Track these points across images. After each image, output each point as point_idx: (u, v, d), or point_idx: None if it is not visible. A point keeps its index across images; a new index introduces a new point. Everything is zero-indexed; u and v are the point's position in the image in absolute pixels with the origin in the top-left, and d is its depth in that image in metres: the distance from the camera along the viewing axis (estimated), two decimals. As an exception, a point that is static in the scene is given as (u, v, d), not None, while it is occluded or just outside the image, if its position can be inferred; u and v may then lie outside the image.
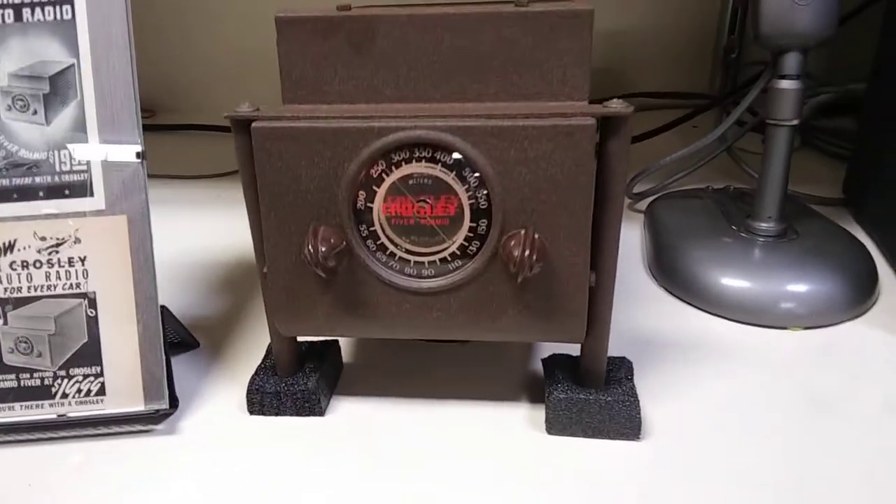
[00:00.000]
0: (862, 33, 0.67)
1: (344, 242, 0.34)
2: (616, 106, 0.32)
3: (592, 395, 0.37)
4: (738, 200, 0.57)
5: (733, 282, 0.48)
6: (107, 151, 0.38)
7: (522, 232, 0.33)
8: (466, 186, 0.33)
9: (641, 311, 0.49)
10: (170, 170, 0.76)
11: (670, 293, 0.51)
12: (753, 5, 0.45)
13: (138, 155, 0.38)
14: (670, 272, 0.51)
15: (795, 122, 0.47)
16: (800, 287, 0.47)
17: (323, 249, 0.33)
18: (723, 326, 0.47)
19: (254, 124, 0.33)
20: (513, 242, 0.33)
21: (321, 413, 0.40)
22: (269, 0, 0.79)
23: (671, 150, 0.59)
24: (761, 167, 0.49)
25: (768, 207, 0.49)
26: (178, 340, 0.45)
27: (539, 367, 0.43)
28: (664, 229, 0.55)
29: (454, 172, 0.33)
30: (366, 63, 0.35)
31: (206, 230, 0.64)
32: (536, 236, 0.32)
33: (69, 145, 0.38)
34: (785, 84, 0.46)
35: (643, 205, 0.62)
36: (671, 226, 0.55)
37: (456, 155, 0.33)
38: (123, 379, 0.38)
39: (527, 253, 0.32)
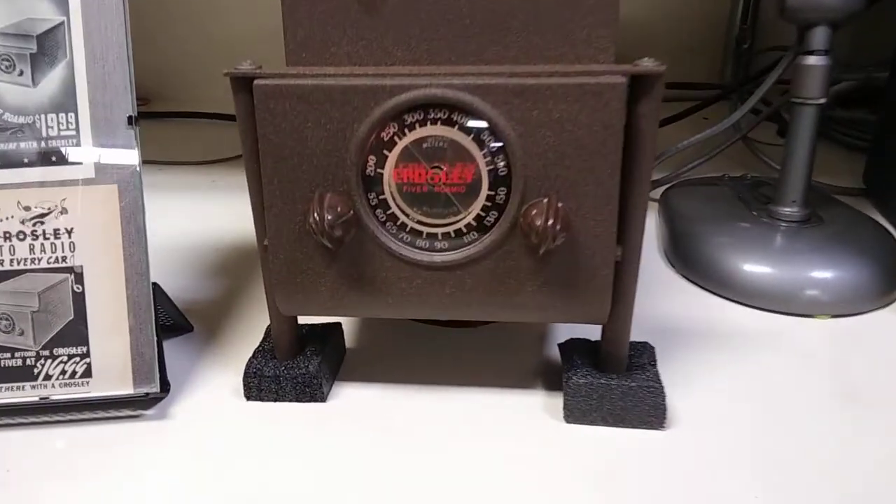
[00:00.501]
0: (882, 19, 0.65)
1: (351, 211, 0.32)
2: (648, 64, 0.30)
3: (614, 380, 0.35)
4: (756, 189, 0.54)
5: (756, 268, 0.45)
6: (97, 116, 0.35)
7: (545, 200, 0.30)
8: (485, 151, 0.31)
9: (660, 298, 0.47)
10: (165, 157, 0.73)
11: (690, 280, 0.49)
12: (780, -23, 0.43)
13: (130, 120, 0.36)
14: (689, 259, 0.49)
15: (823, 100, 0.45)
16: (826, 274, 0.44)
17: (329, 218, 0.30)
18: (746, 314, 0.45)
19: (256, 82, 0.31)
20: (535, 212, 0.30)
21: (323, 399, 0.37)
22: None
23: (683, 140, 0.57)
24: (785, 148, 0.47)
25: (792, 191, 0.47)
26: (171, 323, 0.42)
27: (555, 353, 0.41)
28: (681, 216, 0.53)
29: (472, 136, 0.31)
30: (376, 22, 0.33)
31: (201, 215, 0.61)
32: (560, 205, 0.30)
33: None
34: (812, 60, 0.44)
35: (656, 193, 0.60)
36: (688, 212, 0.52)
37: (474, 116, 0.30)
38: (111, 360, 0.36)
39: (550, 222, 0.29)
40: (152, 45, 0.88)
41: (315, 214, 0.30)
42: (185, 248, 0.55)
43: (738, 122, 0.63)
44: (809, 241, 0.46)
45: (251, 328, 0.44)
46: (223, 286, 0.49)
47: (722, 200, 0.53)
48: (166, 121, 0.84)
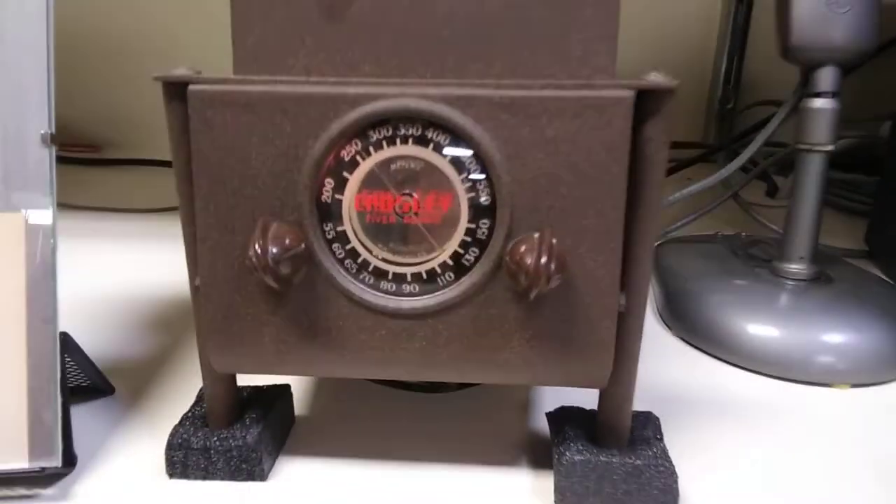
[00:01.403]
0: (881, 73, 0.63)
1: (303, 245, 0.26)
2: (657, 78, 0.25)
3: (616, 457, 0.29)
4: (754, 247, 0.50)
5: (762, 330, 0.40)
6: (4, 130, 0.30)
7: (536, 235, 0.25)
8: (464, 176, 0.26)
9: (657, 363, 0.41)
10: (116, 203, 0.67)
11: (687, 343, 0.43)
12: (782, 14, 0.40)
13: (45, 138, 0.30)
14: (687, 319, 0.44)
15: (831, 147, 0.41)
16: (841, 337, 0.40)
17: (274, 251, 0.25)
18: (754, 382, 0.39)
19: (191, 87, 0.26)
20: (524, 248, 0.25)
21: (262, 477, 0.30)
22: (220, 29, 0.73)
23: (669, 196, 0.53)
24: (791, 200, 0.43)
25: (800, 246, 0.43)
26: (88, 384, 0.36)
27: (542, 423, 0.35)
28: (674, 274, 0.48)
29: (450, 157, 0.26)
30: (340, 31, 0.28)
31: (143, 265, 0.55)
32: (554, 241, 0.25)
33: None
34: (819, 103, 0.40)
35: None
36: (684, 269, 0.48)
37: (453, 134, 0.26)
38: (1, 426, 0.29)
39: (543, 260, 0.24)
40: (105, 92, 0.84)
41: (256, 246, 0.25)
42: (118, 299, 0.48)
43: (727, 181, 0.59)
44: (820, 300, 0.42)
45: (185, 391, 0.37)
46: (156, 344, 0.43)
47: (718, 257, 0.48)
48: (118, 168, 0.79)
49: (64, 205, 0.64)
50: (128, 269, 0.54)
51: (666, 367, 0.41)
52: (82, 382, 0.36)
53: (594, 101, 0.25)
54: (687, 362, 0.41)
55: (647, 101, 0.25)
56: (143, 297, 0.49)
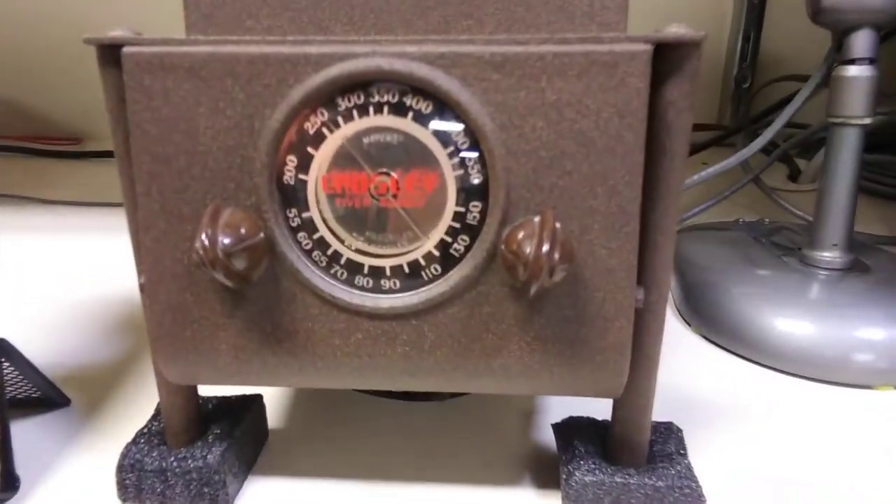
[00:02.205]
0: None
1: (261, 234, 0.22)
2: (678, 30, 0.21)
3: (633, 477, 0.25)
4: (778, 234, 0.46)
5: (792, 325, 0.36)
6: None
7: (536, 219, 0.21)
8: (451, 150, 0.22)
9: (676, 364, 0.37)
10: (96, 197, 0.63)
11: (710, 341, 0.39)
12: (813, -27, 0.36)
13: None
14: (708, 314, 0.40)
15: (867, 119, 0.37)
16: (880, 332, 0.35)
17: (226, 242, 0.21)
18: (785, 384, 0.35)
19: (126, 49, 0.22)
20: (521, 234, 0.21)
21: (227, 502, 0.27)
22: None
23: (686, 179, 0.49)
24: (821, 182, 0.39)
25: (833, 232, 0.38)
26: (38, 395, 0.32)
27: (547, 435, 0.31)
28: (693, 264, 0.44)
29: (433, 128, 0.22)
30: (308, -13, 0.24)
31: (122, 261, 0.51)
32: (558, 225, 0.21)
33: None
34: (854, 70, 0.36)
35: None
36: (703, 259, 0.44)
37: (436, 100, 0.22)
38: (-76, 448, 0.25)
39: (545, 248, 0.20)
40: (84, 84, 0.80)
41: (203, 236, 0.21)
42: (86, 300, 0.44)
43: (746, 164, 0.55)
44: (856, 291, 0.38)
45: (152, 402, 0.34)
46: (123, 348, 0.39)
47: (740, 246, 0.44)
48: (100, 161, 0.75)
49: (42, 200, 0.60)
50: (103, 265, 0.50)
51: (686, 369, 0.36)
52: (31, 394, 0.32)
53: (604, 56, 0.21)
54: (709, 363, 0.37)
55: (667, 58, 0.21)
56: (113, 297, 0.45)
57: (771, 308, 0.37)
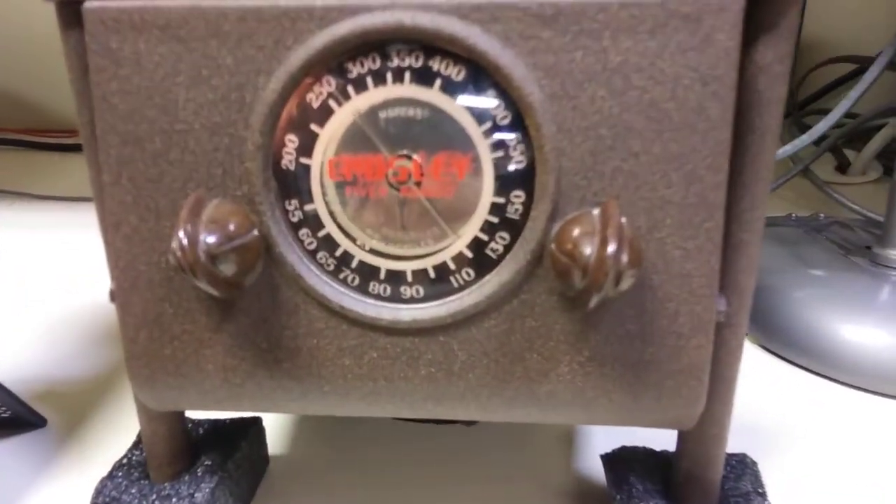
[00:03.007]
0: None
1: (254, 231, 0.18)
2: (774, -25, 0.17)
3: (705, 524, 0.20)
4: (838, 231, 0.41)
5: (863, 334, 0.32)
6: None
7: (595, 212, 0.17)
8: (488, 126, 0.18)
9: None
10: (87, 191, 0.60)
11: (770, 351, 0.35)
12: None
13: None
14: (765, 321, 0.35)
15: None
16: (969, 343, 0.31)
17: (210, 241, 0.17)
18: (863, 402, 0.31)
19: (86, 3, 0.18)
20: (577, 231, 0.17)
21: (219, 548, 0.23)
22: None
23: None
24: (896, 170, 0.34)
25: (908, 227, 0.34)
26: (7, 415, 0.28)
27: (593, 465, 0.26)
28: (743, 263, 0.39)
29: (465, 99, 0.17)
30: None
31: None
32: (623, 220, 0.17)
33: None
34: (939, 43, 0.31)
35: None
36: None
37: (470, 64, 0.17)
38: None
39: (611, 248, 0.16)
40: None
41: (181, 234, 0.16)
42: (69, 307, 0.40)
43: (795, 155, 0.50)
44: (937, 296, 0.33)
45: (136, 421, 0.30)
46: (107, 361, 0.35)
47: (795, 243, 0.40)
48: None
49: (33, 195, 0.56)
50: (88, 267, 0.46)
51: (747, 385, 0.32)
52: (2, 414, 0.28)
53: (685, 7, 0.16)
54: (772, 377, 0.33)
55: (758, 12, 0.17)
56: (97, 303, 0.41)
57: (838, 314, 0.33)
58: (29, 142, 0.71)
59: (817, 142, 0.48)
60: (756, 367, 0.33)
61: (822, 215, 0.44)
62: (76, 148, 0.70)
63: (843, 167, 0.57)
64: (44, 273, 0.43)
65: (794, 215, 0.44)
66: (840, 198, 0.47)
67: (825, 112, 0.40)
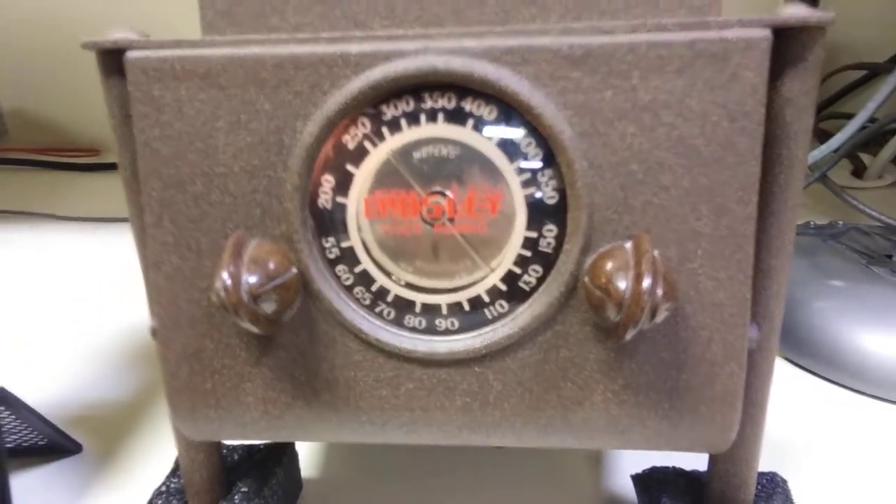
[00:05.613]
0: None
1: (293, 269, 0.19)
2: (798, 10, 0.17)
3: (738, 545, 0.21)
4: (853, 238, 0.41)
5: (886, 343, 0.32)
6: None
7: (628, 245, 0.17)
8: (520, 163, 0.18)
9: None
10: (111, 212, 0.60)
11: (795, 364, 0.35)
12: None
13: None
14: (789, 332, 0.35)
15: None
16: None
17: (252, 280, 0.17)
18: (891, 412, 0.31)
19: (129, 54, 0.18)
20: (611, 265, 0.17)
21: (259, 574, 0.23)
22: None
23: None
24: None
25: (929, 237, 0.34)
26: (45, 443, 0.29)
27: (621, 482, 0.27)
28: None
29: (497, 138, 0.18)
30: (340, -24, 0.20)
31: (139, 282, 0.48)
32: (656, 253, 0.17)
33: None
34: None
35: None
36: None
37: (502, 104, 0.18)
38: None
39: (647, 283, 0.16)
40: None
41: (225, 275, 0.17)
42: (102, 330, 0.41)
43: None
44: (960, 306, 0.33)
45: (171, 445, 0.30)
46: (141, 384, 0.35)
47: (815, 253, 0.40)
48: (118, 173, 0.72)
49: (55, 216, 0.57)
50: (119, 289, 0.47)
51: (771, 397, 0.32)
52: (38, 441, 0.28)
53: (713, 45, 0.17)
54: (796, 389, 0.33)
55: (784, 45, 0.17)
56: (130, 326, 0.42)
57: (861, 325, 0.33)
58: (44, 161, 0.71)
59: (835, 149, 0.48)
60: (779, 379, 0.34)
61: (840, 223, 0.44)
62: (96, 168, 0.71)
63: (858, 171, 0.57)
64: (74, 296, 0.44)
65: (812, 223, 0.45)
66: (859, 204, 0.47)
67: (840, 116, 0.41)
